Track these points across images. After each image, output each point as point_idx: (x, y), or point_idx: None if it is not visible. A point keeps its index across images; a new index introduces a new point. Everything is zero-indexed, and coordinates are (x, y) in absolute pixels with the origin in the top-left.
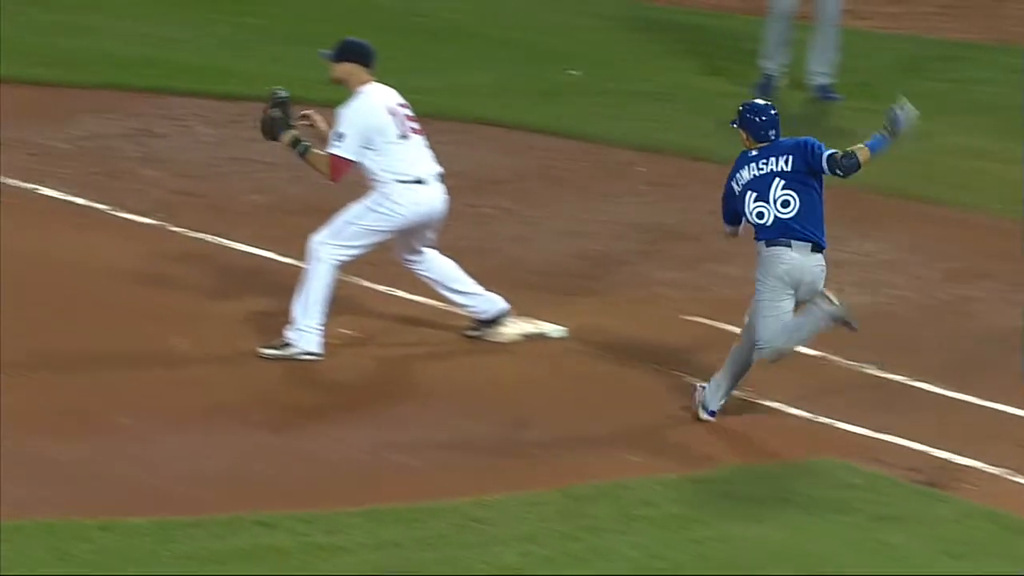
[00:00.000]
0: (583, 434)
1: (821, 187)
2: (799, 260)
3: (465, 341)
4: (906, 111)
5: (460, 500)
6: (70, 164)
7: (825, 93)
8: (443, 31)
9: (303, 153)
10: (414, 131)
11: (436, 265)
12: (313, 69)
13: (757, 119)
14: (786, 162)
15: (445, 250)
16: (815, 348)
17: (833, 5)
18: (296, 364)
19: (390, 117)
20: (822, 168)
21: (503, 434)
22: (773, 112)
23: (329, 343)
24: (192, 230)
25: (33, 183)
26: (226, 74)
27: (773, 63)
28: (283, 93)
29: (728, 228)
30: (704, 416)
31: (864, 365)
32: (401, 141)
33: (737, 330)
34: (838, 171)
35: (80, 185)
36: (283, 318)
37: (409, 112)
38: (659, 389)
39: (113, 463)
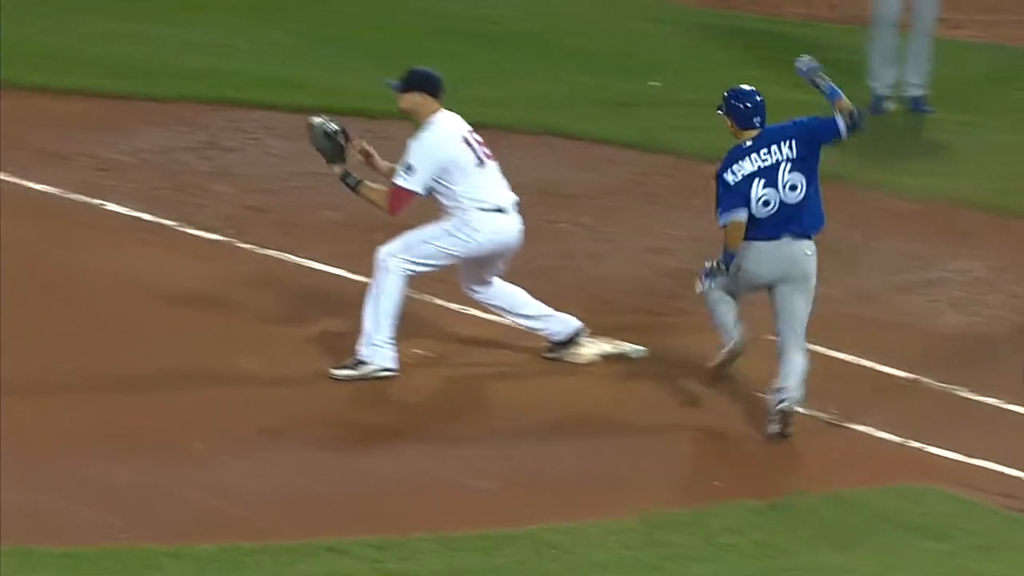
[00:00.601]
0: (664, 458)
1: (818, 166)
2: (775, 256)
3: (541, 362)
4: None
5: (537, 526)
6: (136, 178)
7: (918, 106)
8: (516, 40)
9: (354, 187)
10: (488, 157)
11: (502, 292)
12: (376, 81)
13: (742, 106)
14: (790, 147)
15: (519, 268)
16: (905, 370)
17: (929, 14)
18: (366, 384)
19: (465, 146)
20: (840, 137)
21: (581, 458)
22: (759, 98)
23: (401, 362)
24: (261, 247)
25: (98, 198)
26: (297, 85)
27: (881, 82)
28: (333, 126)
29: (733, 215)
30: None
31: (956, 387)
32: (478, 169)
33: (826, 351)
34: (857, 131)
35: (146, 200)
36: (354, 338)
37: (479, 139)
38: (743, 411)
39: (181, 487)
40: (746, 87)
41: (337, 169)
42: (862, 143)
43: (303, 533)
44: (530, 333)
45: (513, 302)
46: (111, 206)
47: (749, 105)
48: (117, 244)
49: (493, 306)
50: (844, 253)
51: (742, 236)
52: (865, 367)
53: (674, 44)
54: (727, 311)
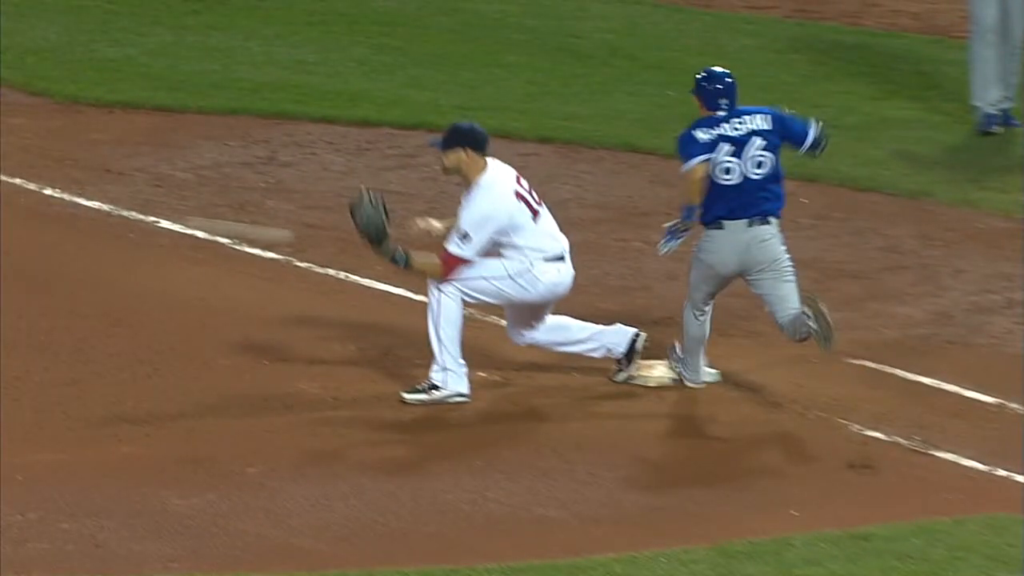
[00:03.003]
0: (739, 486)
1: (779, 156)
2: (736, 239)
3: (611, 385)
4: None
5: (607, 556)
6: (191, 195)
7: (1007, 119)
8: (596, 54)
9: (405, 265)
10: (540, 204)
11: (548, 329)
12: (448, 94)
13: (709, 86)
14: (764, 121)
15: (592, 287)
16: (990, 394)
17: (1017, 25)
18: (430, 408)
19: (519, 202)
20: (801, 145)
21: (652, 485)
22: (729, 80)
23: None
24: (319, 265)
25: (152, 216)
26: (358, 98)
27: (986, 100)
28: (375, 195)
29: (698, 159)
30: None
31: None
32: (534, 221)
33: (907, 375)
34: (813, 153)
35: (201, 217)
36: (417, 359)
37: (527, 186)
38: (821, 438)
39: (237, 515)
40: (718, 69)
41: (386, 249)
42: (949, 157)
43: (364, 562)
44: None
45: (563, 334)
46: (165, 224)
47: (719, 86)
48: (171, 263)
49: (544, 344)
50: (925, 272)
51: (702, 188)
52: (948, 391)
53: (756, 57)
54: (699, 338)
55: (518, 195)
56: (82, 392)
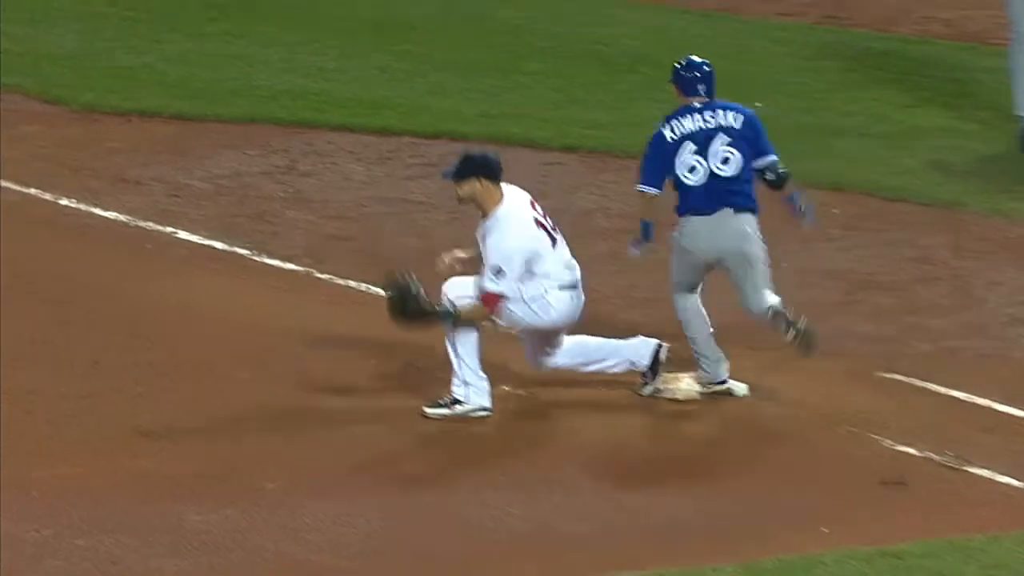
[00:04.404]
0: (767, 501)
1: (751, 160)
2: (717, 228)
3: (636, 399)
4: (811, 217)
5: (633, 573)
6: (209, 205)
7: None
8: (621, 61)
9: (450, 318)
10: (556, 230)
11: (567, 352)
12: (471, 101)
13: (687, 73)
14: (735, 119)
15: (616, 298)
16: None
17: None
18: (451, 423)
19: (539, 230)
20: (758, 160)
21: (679, 501)
22: (707, 68)
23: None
24: (340, 277)
25: (170, 226)
26: (379, 106)
27: None
28: (405, 279)
29: (647, 189)
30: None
31: None
32: (553, 249)
33: (939, 388)
34: (768, 175)
35: (220, 228)
36: (439, 372)
37: (542, 211)
38: (853, 453)
39: (256, 531)
40: (695, 58)
41: (434, 319)
42: (982, 166)
43: None
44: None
45: (583, 355)
46: (183, 234)
47: (697, 74)
48: (189, 274)
49: (566, 367)
50: (958, 284)
51: (653, 208)
52: (981, 406)
53: (787, 64)
54: (701, 326)
55: (537, 223)
56: (98, 405)
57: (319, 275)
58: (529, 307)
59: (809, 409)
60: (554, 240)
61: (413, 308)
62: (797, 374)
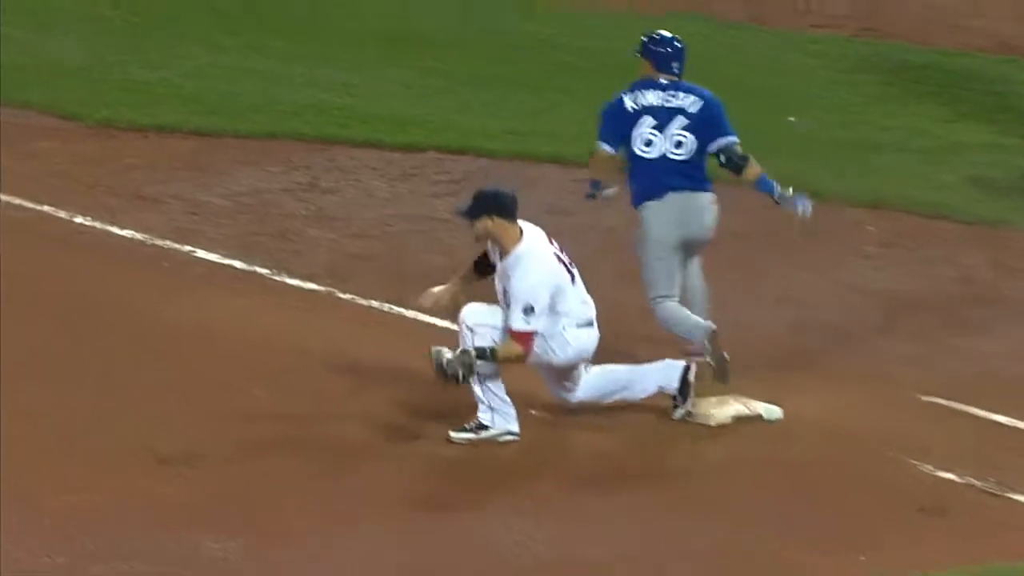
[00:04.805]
0: (804, 527)
1: (706, 152)
2: (677, 208)
3: (668, 423)
4: (804, 204)
5: None
6: (229, 223)
7: None
8: None
9: (488, 359)
10: (573, 266)
11: (591, 384)
12: (498, 118)
13: (662, 49)
14: (694, 105)
15: (646, 319)
16: None
17: None
18: (477, 447)
19: (560, 266)
20: (716, 141)
21: (712, 525)
22: (679, 44)
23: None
24: (363, 297)
25: (188, 245)
26: (403, 122)
27: None
28: (446, 361)
29: (605, 146)
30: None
31: None
32: (573, 283)
33: (981, 412)
34: (721, 158)
35: (240, 247)
36: (465, 396)
37: (559, 247)
38: (891, 478)
39: (275, 558)
40: (666, 33)
41: (470, 373)
42: (1022, 182)
43: None
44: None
45: (609, 384)
46: (201, 253)
47: (670, 50)
48: (207, 294)
49: (594, 400)
50: (1000, 303)
51: (604, 169)
52: None
53: (822, 77)
54: (677, 309)
55: (557, 258)
56: (110, 425)
57: (341, 295)
58: (547, 344)
59: (847, 433)
60: (572, 276)
61: (462, 378)
62: (833, 398)
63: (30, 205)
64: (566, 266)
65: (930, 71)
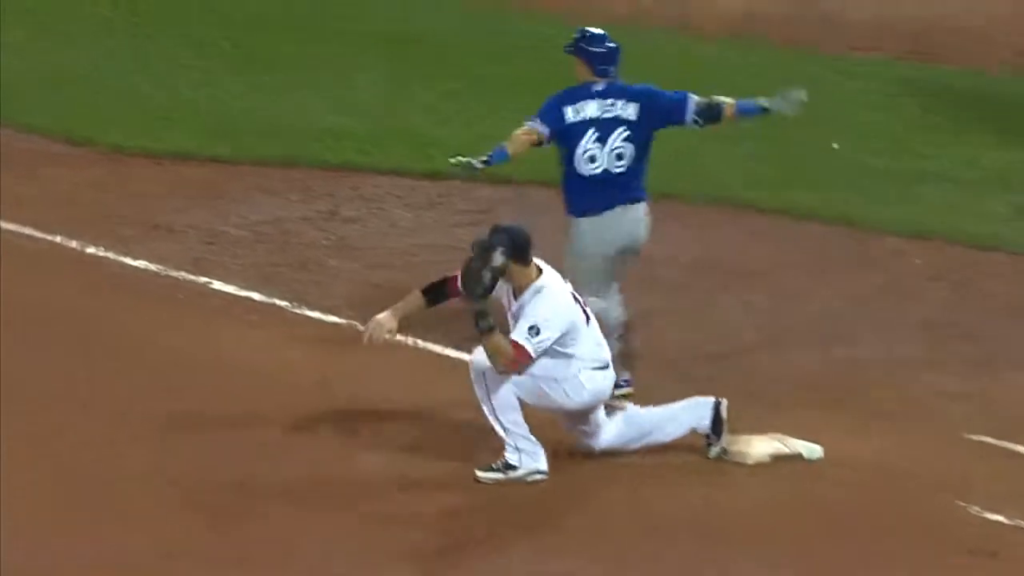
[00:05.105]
0: (849, 572)
1: (650, 144)
2: (615, 223)
3: (703, 462)
4: (794, 99)
5: None
6: (246, 253)
7: None
8: None
9: (487, 330)
10: (585, 304)
11: (617, 427)
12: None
13: (598, 49)
14: (634, 111)
15: (681, 354)
16: None
17: None
18: (505, 487)
19: (576, 304)
20: (683, 122)
21: (751, 568)
22: (613, 45)
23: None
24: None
25: (204, 276)
26: (429, 147)
27: None
28: (501, 261)
29: (538, 126)
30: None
31: None
32: (587, 327)
33: None
34: (699, 122)
35: (258, 278)
36: (492, 433)
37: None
38: (937, 521)
39: None
40: (598, 30)
41: (479, 306)
42: None
43: None
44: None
45: (636, 428)
46: (218, 284)
47: (603, 50)
48: (224, 327)
49: (621, 445)
50: None
51: (525, 147)
52: None
53: (862, 101)
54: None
55: (573, 297)
56: (120, 459)
57: (362, 327)
58: (562, 388)
59: (891, 473)
60: (587, 317)
61: (473, 275)
62: (875, 435)
63: (40, 235)
64: (581, 306)
65: (977, 96)
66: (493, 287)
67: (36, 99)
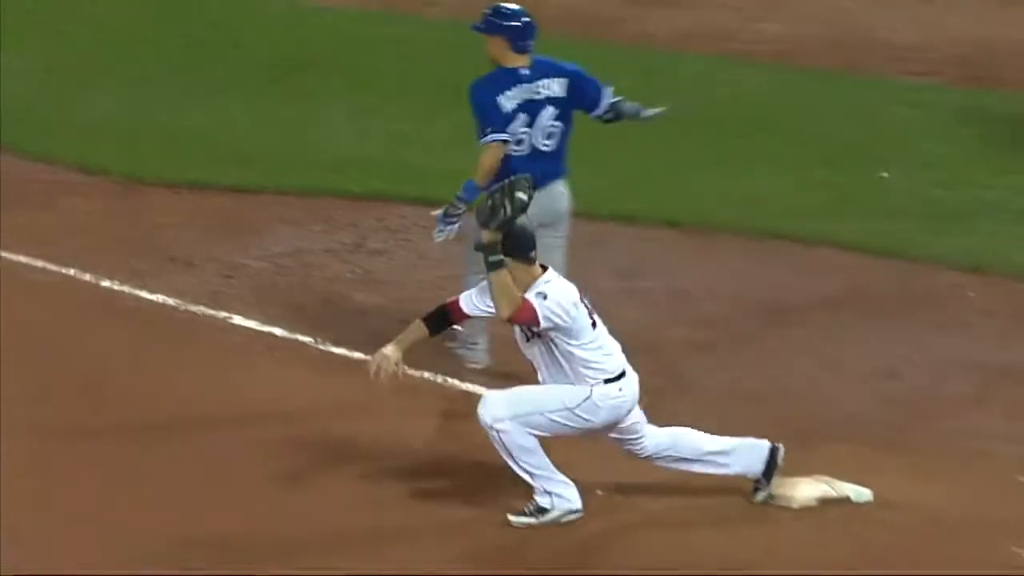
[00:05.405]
0: None
1: (571, 124)
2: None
3: (747, 507)
4: (646, 113)
5: None
6: (267, 287)
7: None
8: (731, 123)
9: (495, 266)
10: (593, 312)
11: (656, 439)
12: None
13: (516, 23)
14: (560, 87)
15: (723, 394)
16: None
17: None
18: (538, 530)
19: (583, 305)
20: (593, 112)
21: None
22: (528, 19)
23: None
24: (415, 368)
25: (224, 311)
26: (458, 176)
27: None
28: (525, 197)
29: (503, 136)
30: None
31: None
32: (593, 331)
33: None
34: (604, 117)
35: (279, 313)
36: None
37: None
38: (992, 569)
39: None
40: (513, 5)
41: (488, 237)
42: None
43: None
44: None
45: (688, 446)
46: (238, 319)
47: (522, 23)
48: (244, 365)
49: (665, 456)
50: None
51: (494, 171)
52: None
53: (916, 128)
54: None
55: (581, 299)
56: (131, 511)
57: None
58: (576, 415)
59: (944, 518)
60: (594, 323)
61: (494, 206)
62: (927, 479)
63: (53, 267)
64: (588, 311)
65: None
66: (511, 221)
67: (51, 126)
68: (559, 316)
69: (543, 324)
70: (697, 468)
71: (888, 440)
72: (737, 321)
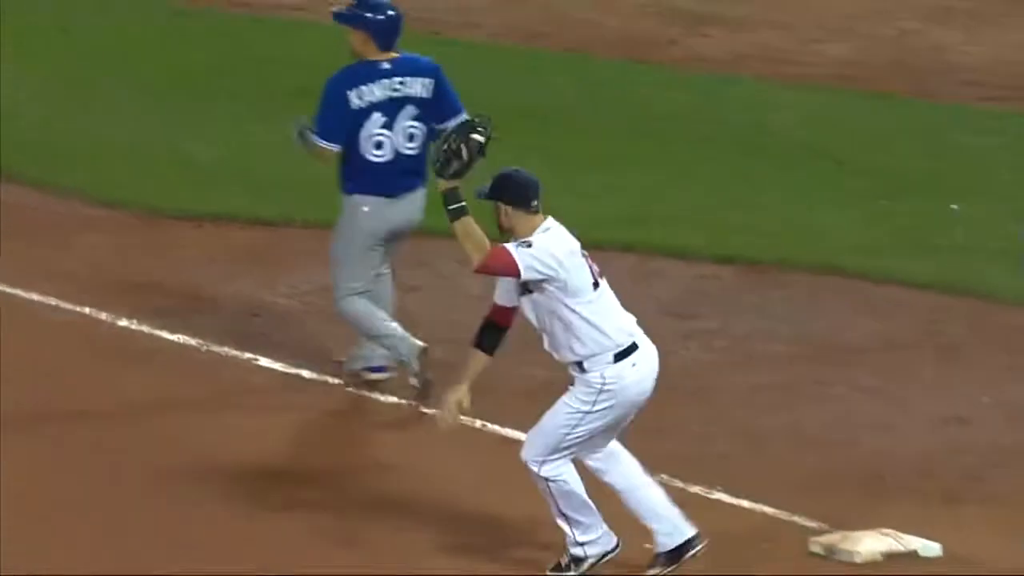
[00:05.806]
0: None
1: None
2: (397, 208)
3: (807, 559)
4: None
5: None
6: (295, 326)
7: None
8: (792, 154)
9: (457, 213)
10: (600, 276)
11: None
12: (609, 203)
13: (382, 17)
14: (424, 88)
15: (781, 438)
16: None
17: None
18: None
19: (584, 261)
20: (448, 121)
21: None
22: (394, 12)
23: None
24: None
25: (249, 351)
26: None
27: None
28: (481, 138)
29: (329, 146)
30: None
31: None
32: (596, 292)
33: None
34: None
35: (308, 353)
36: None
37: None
38: None
39: None
40: None
41: (444, 185)
42: None
43: None
44: (797, 522)
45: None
46: (264, 361)
47: (387, 18)
48: (271, 409)
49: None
50: None
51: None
52: None
53: (992, 159)
54: (369, 307)
55: (583, 255)
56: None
57: (426, 410)
58: (595, 412)
59: (1016, 573)
60: (597, 283)
61: (448, 150)
62: (1001, 533)
63: (68, 306)
64: (592, 271)
65: None
66: (469, 166)
67: (73, 163)
68: (547, 266)
69: (524, 274)
70: (632, 504)
71: (956, 490)
72: (798, 362)
